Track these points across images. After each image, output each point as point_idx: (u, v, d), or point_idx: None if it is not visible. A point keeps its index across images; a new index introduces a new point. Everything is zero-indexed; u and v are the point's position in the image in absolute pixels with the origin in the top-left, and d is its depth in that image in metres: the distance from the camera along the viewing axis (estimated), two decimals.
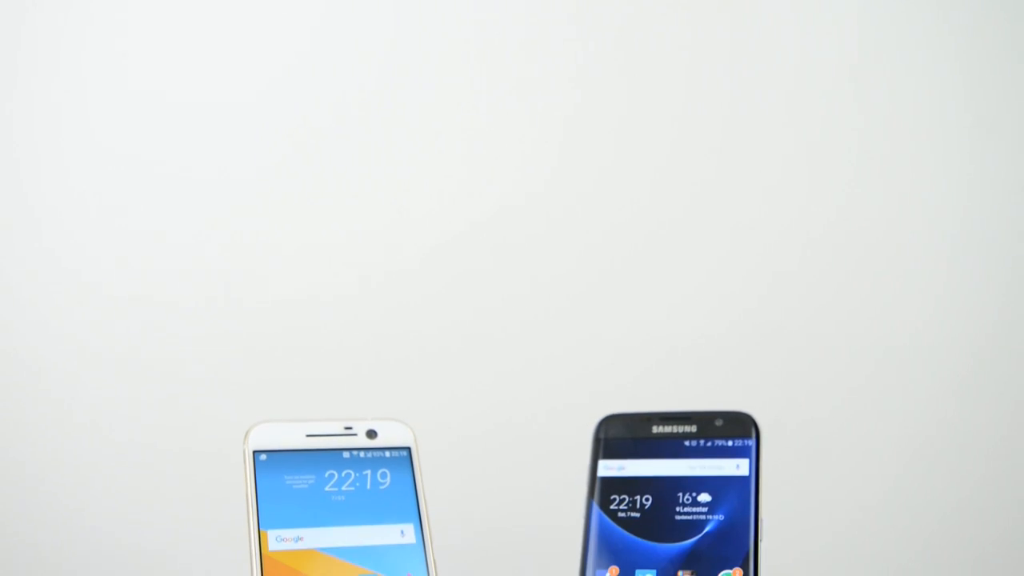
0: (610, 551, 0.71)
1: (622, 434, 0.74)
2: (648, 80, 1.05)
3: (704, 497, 0.71)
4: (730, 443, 0.72)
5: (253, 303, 1.00)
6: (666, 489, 0.72)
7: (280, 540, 0.68)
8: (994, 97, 1.07)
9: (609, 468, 0.74)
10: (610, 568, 0.71)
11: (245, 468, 0.69)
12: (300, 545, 0.68)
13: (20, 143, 0.97)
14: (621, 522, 0.72)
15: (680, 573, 0.69)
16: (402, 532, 0.70)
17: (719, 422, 0.73)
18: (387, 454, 0.72)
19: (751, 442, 0.72)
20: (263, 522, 0.68)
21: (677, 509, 0.71)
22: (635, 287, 1.04)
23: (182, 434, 0.99)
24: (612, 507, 0.72)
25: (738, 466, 0.71)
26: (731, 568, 0.69)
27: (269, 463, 0.69)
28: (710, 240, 1.05)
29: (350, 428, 0.72)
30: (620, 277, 1.04)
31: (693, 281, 1.05)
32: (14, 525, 0.98)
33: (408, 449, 0.72)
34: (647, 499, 0.72)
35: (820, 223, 1.06)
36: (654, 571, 0.70)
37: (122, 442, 0.98)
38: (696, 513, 0.71)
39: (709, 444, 0.72)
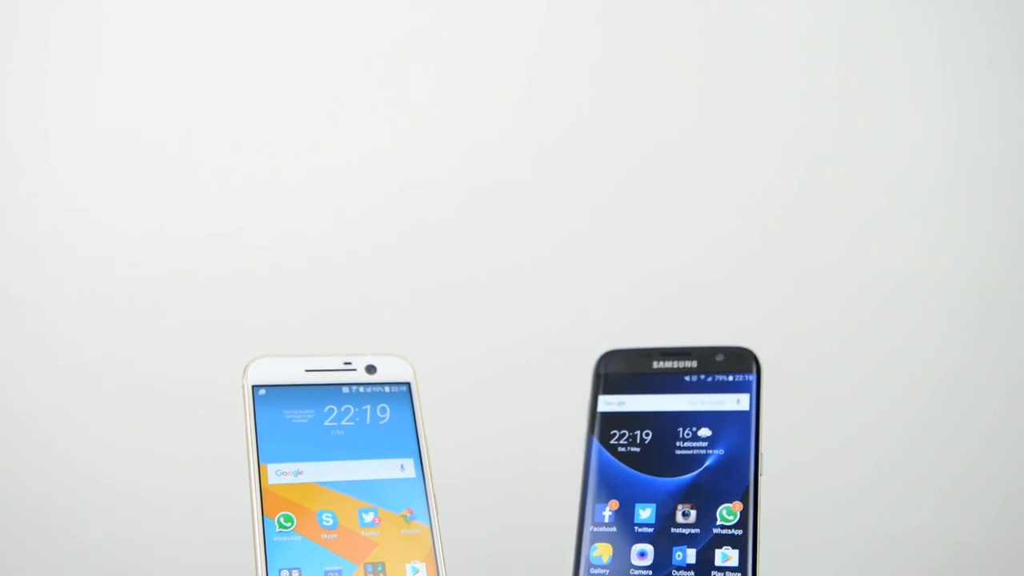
0: (610, 485, 0.71)
1: (622, 370, 0.74)
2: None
3: (704, 432, 0.71)
4: (731, 378, 0.72)
5: (252, 239, 1.00)
6: (666, 424, 0.72)
7: (280, 474, 0.67)
8: (995, 21, 1.06)
9: (609, 403, 0.73)
10: (610, 502, 0.71)
11: (244, 402, 0.69)
12: (300, 479, 0.68)
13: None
14: (621, 457, 0.72)
15: (680, 507, 0.69)
16: (402, 467, 0.70)
17: (720, 357, 0.72)
18: (386, 389, 0.72)
19: (752, 377, 0.71)
20: (263, 456, 0.68)
21: (677, 444, 0.71)
22: (635, 223, 1.04)
23: (181, 371, 0.98)
24: (612, 442, 0.72)
25: (738, 401, 0.71)
26: (731, 502, 0.69)
27: (268, 398, 0.69)
28: (708, 176, 1.04)
29: (349, 363, 0.72)
30: (620, 213, 1.03)
31: (691, 217, 1.04)
32: (8, 463, 0.98)
33: (408, 384, 0.72)
34: (647, 434, 0.72)
35: (819, 155, 1.05)
36: (654, 505, 0.70)
37: (120, 380, 0.98)
38: (696, 448, 0.71)
39: (710, 379, 0.72)
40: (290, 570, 0.65)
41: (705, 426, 0.71)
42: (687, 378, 0.73)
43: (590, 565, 0.69)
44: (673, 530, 0.69)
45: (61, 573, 0.97)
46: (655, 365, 0.73)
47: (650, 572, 0.68)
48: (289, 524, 0.66)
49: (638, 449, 0.72)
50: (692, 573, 0.68)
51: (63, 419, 0.98)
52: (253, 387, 0.69)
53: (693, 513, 0.69)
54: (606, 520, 0.70)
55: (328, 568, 0.66)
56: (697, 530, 0.68)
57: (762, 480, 0.69)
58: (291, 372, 0.70)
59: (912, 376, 1.05)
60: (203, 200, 1.00)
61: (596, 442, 0.72)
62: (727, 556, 0.67)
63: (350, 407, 0.71)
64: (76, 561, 0.97)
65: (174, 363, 0.98)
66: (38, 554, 0.97)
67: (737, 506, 0.68)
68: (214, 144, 1.00)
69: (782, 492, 0.93)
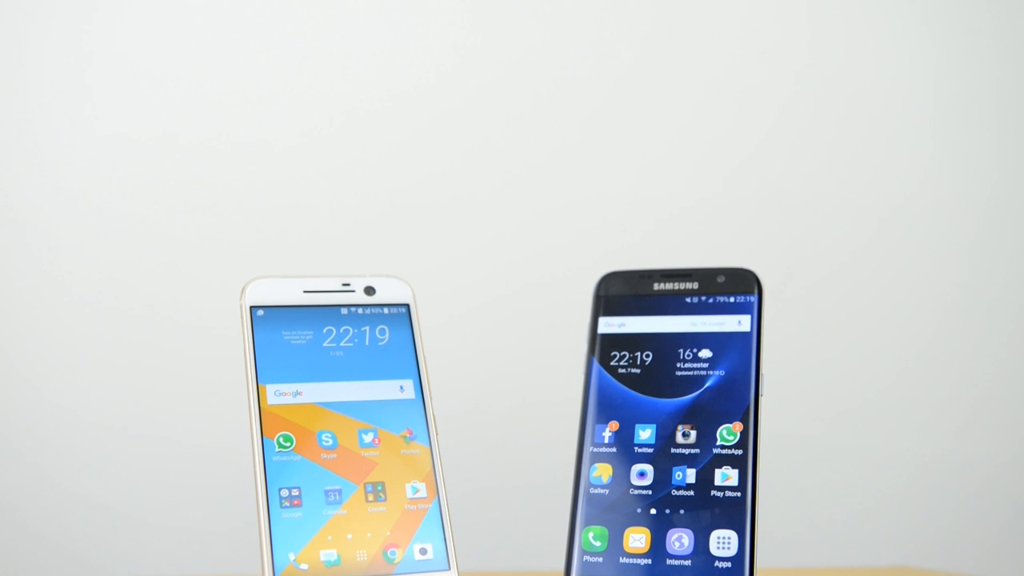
0: (610, 406, 0.71)
1: (623, 291, 0.73)
2: None
3: (705, 353, 0.71)
4: (732, 299, 0.71)
5: (247, 161, 0.99)
6: (667, 345, 0.71)
7: (279, 395, 0.67)
8: None
9: (610, 325, 0.73)
10: (610, 423, 0.71)
11: (242, 323, 0.68)
12: (299, 400, 0.67)
13: None
14: (621, 378, 0.71)
15: (680, 427, 0.69)
16: (401, 388, 0.70)
17: (721, 279, 0.72)
18: (385, 311, 0.71)
19: (753, 298, 0.71)
20: (261, 376, 0.67)
21: (678, 365, 0.71)
22: (636, 146, 1.03)
23: (177, 293, 0.98)
24: (612, 363, 0.72)
25: (740, 322, 0.71)
26: (731, 423, 0.68)
27: (266, 319, 0.69)
28: (710, 97, 1.03)
29: (348, 284, 0.71)
30: (621, 135, 1.02)
31: (692, 140, 1.03)
32: (8, 398, 0.98)
33: (407, 306, 0.72)
34: (647, 355, 0.72)
35: (813, 74, 1.04)
36: (654, 426, 0.70)
37: (116, 305, 0.98)
38: (697, 369, 0.70)
39: (711, 300, 0.72)
40: (290, 489, 0.65)
41: (706, 347, 0.71)
42: (688, 299, 0.72)
43: (590, 485, 0.69)
44: (673, 450, 0.69)
45: (60, 495, 0.98)
46: (656, 287, 0.73)
47: (650, 492, 0.68)
48: (288, 444, 0.66)
49: (638, 370, 0.71)
50: (692, 492, 0.68)
51: (59, 345, 0.97)
52: (251, 308, 0.68)
53: (693, 433, 0.69)
54: (606, 441, 0.70)
55: (328, 487, 0.66)
56: (697, 450, 0.68)
57: (762, 401, 0.69)
58: (289, 293, 0.70)
59: (913, 298, 1.04)
60: (199, 122, 0.98)
61: (596, 363, 0.72)
62: (727, 476, 0.67)
63: (349, 328, 0.70)
64: (74, 485, 0.98)
65: (170, 286, 0.98)
66: (35, 478, 0.98)
67: (737, 426, 0.68)
68: (210, 62, 0.98)
69: (782, 415, 0.94)
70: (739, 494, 0.67)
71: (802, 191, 1.03)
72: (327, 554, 0.64)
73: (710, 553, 0.66)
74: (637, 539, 0.67)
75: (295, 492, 0.65)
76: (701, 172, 1.03)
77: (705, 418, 0.69)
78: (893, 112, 1.04)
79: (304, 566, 0.63)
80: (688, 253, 1.00)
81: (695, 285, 0.72)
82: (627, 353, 0.72)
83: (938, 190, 1.04)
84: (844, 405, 1.04)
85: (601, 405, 0.71)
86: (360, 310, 0.71)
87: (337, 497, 0.66)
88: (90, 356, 0.98)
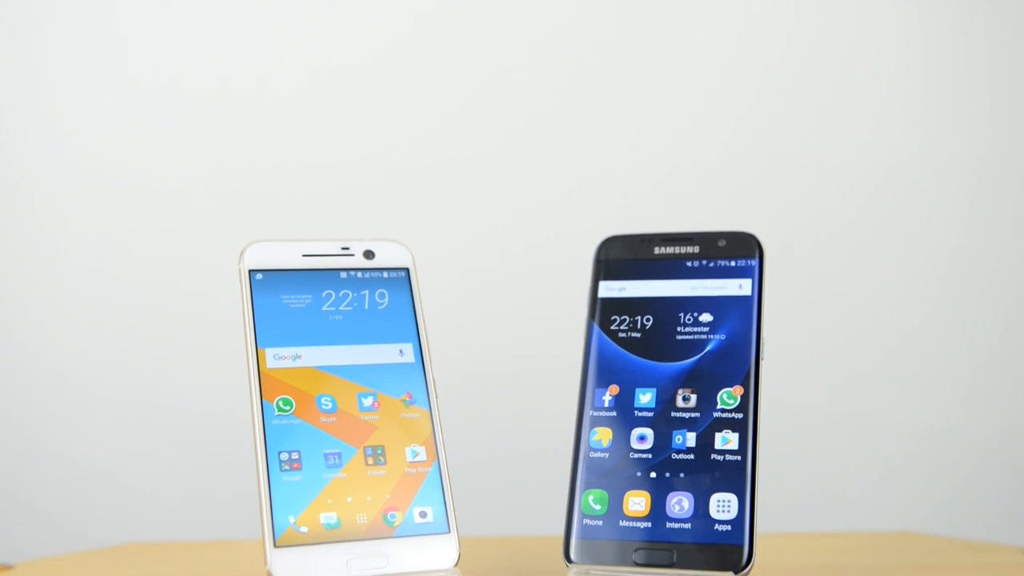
0: (610, 370, 0.71)
1: (623, 255, 0.73)
2: None
3: (706, 317, 0.70)
4: (733, 263, 0.71)
5: (245, 124, 0.99)
6: (667, 309, 0.71)
7: (278, 358, 0.67)
8: None
9: (610, 289, 0.73)
10: (610, 387, 0.71)
11: (241, 287, 0.68)
12: (298, 363, 0.67)
13: None
14: (621, 342, 0.71)
15: (680, 391, 0.69)
16: (401, 352, 0.70)
17: (722, 242, 0.71)
18: (385, 275, 0.71)
19: (754, 262, 0.71)
20: (260, 340, 0.67)
21: (678, 329, 0.71)
22: (638, 107, 1.02)
23: (177, 256, 0.98)
24: (613, 327, 0.72)
25: (741, 286, 0.70)
26: (731, 386, 0.68)
27: (265, 282, 0.68)
28: (711, 57, 1.03)
29: (347, 248, 0.71)
30: (622, 96, 1.02)
31: (693, 102, 1.02)
32: (11, 353, 0.98)
33: (406, 270, 0.71)
34: (648, 319, 0.71)
35: (814, 36, 1.03)
36: (654, 389, 0.70)
37: (115, 270, 0.98)
38: (697, 333, 0.70)
39: (712, 264, 0.71)
40: (289, 452, 0.65)
41: (707, 311, 0.70)
42: (689, 263, 0.72)
43: (590, 449, 0.69)
44: (673, 414, 0.69)
45: (59, 462, 0.98)
46: (657, 251, 0.73)
47: (650, 455, 0.68)
48: (288, 408, 0.66)
49: (639, 334, 0.71)
50: (692, 456, 0.67)
51: (56, 307, 0.97)
52: (250, 272, 0.68)
53: (693, 397, 0.69)
54: (606, 405, 0.70)
55: (327, 451, 0.66)
56: (697, 414, 0.68)
57: (763, 365, 0.69)
58: (288, 257, 0.69)
59: (916, 262, 1.04)
60: (199, 85, 0.98)
61: (596, 328, 0.72)
62: (727, 439, 0.67)
63: (348, 292, 0.70)
64: (74, 452, 0.98)
65: (169, 249, 0.98)
66: (35, 446, 0.98)
67: (738, 390, 0.68)
68: (209, 21, 0.98)
69: (783, 381, 0.94)
70: (739, 457, 0.67)
71: (800, 153, 1.03)
72: (327, 517, 0.64)
73: (710, 516, 0.66)
74: (637, 502, 0.67)
75: (295, 455, 0.65)
76: (698, 134, 1.02)
77: (705, 382, 0.69)
78: (889, 71, 1.04)
79: (304, 528, 0.63)
80: (689, 217, 1.00)
81: (696, 249, 0.72)
82: (627, 317, 0.72)
83: (938, 148, 1.04)
84: (847, 372, 1.04)
85: (601, 369, 0.71)
86: (359, 274, 0.70)
87: (337, 460, 0.66)
88: (88, 320, 0.98)
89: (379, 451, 0.67)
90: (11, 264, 0.97)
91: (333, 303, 0.69)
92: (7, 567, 0.80)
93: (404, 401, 0.68)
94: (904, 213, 1.04)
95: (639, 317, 0.72)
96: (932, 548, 0.88)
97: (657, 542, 0.66)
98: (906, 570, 0.79)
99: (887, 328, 1.04)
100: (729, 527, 0.65)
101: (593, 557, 0.67)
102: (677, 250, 0.72)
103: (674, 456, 0.68)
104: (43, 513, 0.98)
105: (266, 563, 0.62)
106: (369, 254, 0.71)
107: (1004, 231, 1.04)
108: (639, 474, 0.68)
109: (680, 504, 0.67)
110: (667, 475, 0.67)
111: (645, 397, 0.70)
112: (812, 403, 1.03)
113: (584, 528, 0.68)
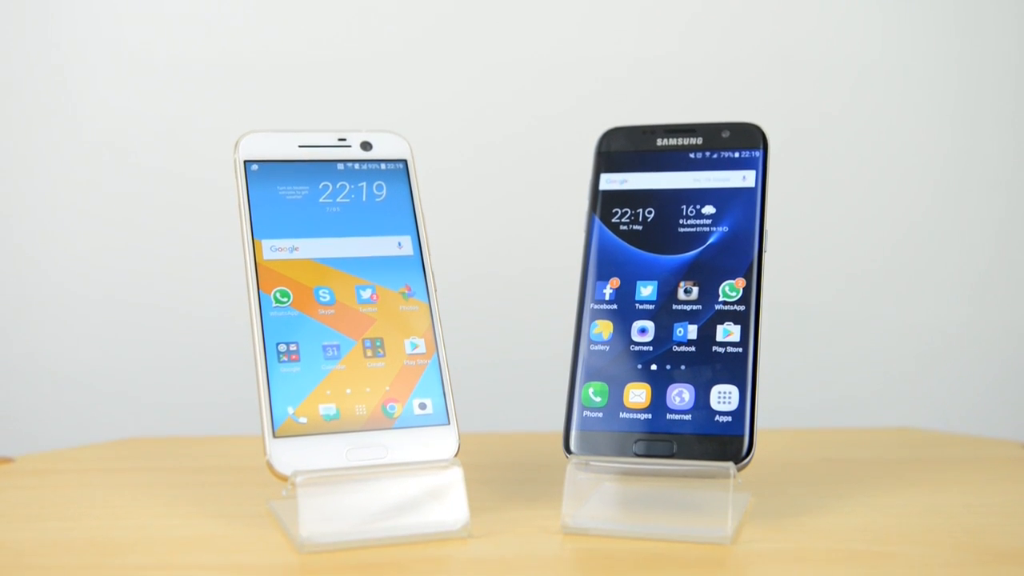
0: (611, 263, 0.70)
1: (625, 147, 0.72)
2: None
3: (708, 209, 0.69)
4: (736, 155, 0.70)
5: (238, 14, 0.97)
6: (669, 202, 0.70)
7: (275, 250, 0.66)
8: None
9: (611, 182, 0.72)
10: (611, 280, 0.70)
11: (236, 178, 0.67)
12: (295, 255, 0.66)
13: None
14: (623, 235, 0.70)
15: (682, 284, 0.68)
16: (399, 244, 0.69)
17: (726, 134, 0.70)
18: (382, 166, 0.70)
19: (758, 153, 0.69)
20: (257, 231, 0.66)
21: (680, 221, 0.70)
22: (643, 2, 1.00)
23: (171, 147, 0.97)
24: (614, 220, 0.71)
25: (744, 178, 0.69)
26: (733, 278, 0.68)
27: (261, 173, 0.67)
28: None
29: (344, 139, 0.69)
30: None
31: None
32: (6, 247, 0.97)
33: (404, 162, 0.70)
34: (649, 212, 0.70)
35: None
36: (655, 282, 0.69)
37: (111, 157, 0.97)
38: (700, 225, 0.69)
39: (715, 156, 0.70)
40: (288, 344, 0.64)
41: (709, 203, 0.69)
42: (692, 155, 0.71)
43: (590, 342, 0.69)
44: (674, 307, 0.68)
45: (59, 364, 0.98)
46: (659, 143, 0.71)
47: (651, 348, 0.68)
48: (285, 299, 0.65)
49: (640, 227, 0.70)
50: (693, 348, 0.67)
51: (52, 199, 0.96)
52: (245, 162, 0.67)
53: (695, 290, 0.68)
54: (607, 298, 0.69)
55: (326, 343, 0.65)
56: (699, 306, 0.68)
57: (765, 257, 0.68)
58: (284, 147, 0.68)
59: (917, 159, 1.03)
60: None
61: (597, 220, 0.71)
62: (728, 332, 0.67)
63: (345, 184, 0.69)
64: (72, 352, 0.98)
65: (162, 137, 0.97)
66: (34, 349, 0.98)
67: (740, 282, 0.67)
68: None
69: (786, 276, 0.93)
70: (741, 349, 0.66)
71: (802, 45, 1.01)
72: (326, 408, 0.64)
73: (711, 407, 0.65)
74: (637, 395, 0.67)
75: (293, 347, 0.65)
76: (702, 25, 1.01)
77: (707, 274, 0.68)
78: None
79: (303, 419, 0.63)
80: (692, 109, 0.99)
81: (699, 140, 0.71)
82: (629, 210, 0.71)
83: (936, 50, 1.02)
84: (850, 269, 1.03)
85: (602, 262, 0.70)
86: (356, 165, 0.69)
87: (335, 352, 0.65)
88: (79, 210, 0.97)
89: (378, 343, 0.66)
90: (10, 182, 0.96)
91: (330, 195, 0.68)
92: (7, 459, 0.80)
93: (403, 294, 0.68)
94: (903, 109, 1.02)
95: (641, 209, 0.71)
96: (932, 442, 0.88)
97: (657, 433, 0.66)
98: (907, 462, 0.80)
99: (890, 226, 1.03)
100: (730, 418, 0.65)
101: (593, 448, 0.66)
102: (680, 141, 0.71)
103: (675, 348, 0.67)
104: (42, 411, 0.98)
105: (265, 453, 0.62)
106: (366, 145, 0.70)
107: (1010, 127, 1.03)
108: (639, 366, 0.67)
109: (681, 396, 0.66)
110: (668, 367, 0.67)
111: (646, 290, 0.69)
112: (814, 301, 1.02)
113: (584, 420, 0.67)
